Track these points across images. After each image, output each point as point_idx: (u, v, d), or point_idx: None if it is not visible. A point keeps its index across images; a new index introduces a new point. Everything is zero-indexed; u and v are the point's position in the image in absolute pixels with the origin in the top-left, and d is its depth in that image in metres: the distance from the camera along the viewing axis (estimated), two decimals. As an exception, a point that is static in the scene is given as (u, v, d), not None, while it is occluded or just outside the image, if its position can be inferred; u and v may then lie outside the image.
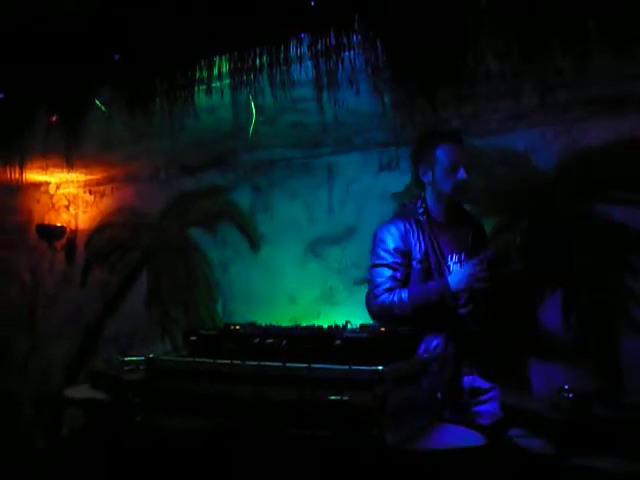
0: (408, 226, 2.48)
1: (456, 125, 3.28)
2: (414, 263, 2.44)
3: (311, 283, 3.64)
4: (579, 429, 1.60)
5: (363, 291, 3.51)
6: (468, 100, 2.65)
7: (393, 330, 1.99)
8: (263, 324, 2.24)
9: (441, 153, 2.43)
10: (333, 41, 1.68)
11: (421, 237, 2.46)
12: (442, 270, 2.45)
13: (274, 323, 2.29)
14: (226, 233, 4.00)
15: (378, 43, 1.61)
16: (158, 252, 4.28)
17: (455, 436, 1.94)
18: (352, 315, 3.46)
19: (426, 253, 2.44)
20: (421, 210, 2.50)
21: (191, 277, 4.09)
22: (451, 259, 2.48)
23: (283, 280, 3.72)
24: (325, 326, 2.13)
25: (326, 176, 3.67)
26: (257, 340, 1.97)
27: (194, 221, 4.15)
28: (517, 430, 1.80)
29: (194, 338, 2.17)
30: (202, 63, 1.91)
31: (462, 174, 2.40)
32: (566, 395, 1.73)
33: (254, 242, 3.89)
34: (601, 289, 3.00)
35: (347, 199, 3.61)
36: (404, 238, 2.45)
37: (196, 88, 1.99)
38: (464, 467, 1.65)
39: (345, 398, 1.73)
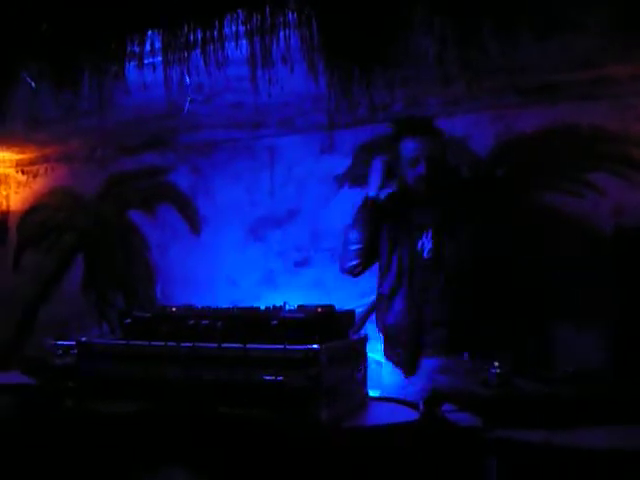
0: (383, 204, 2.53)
1: (398, 108, 3.32)
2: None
3: (252, 266, 3.61)
4: (504, 403, 1.66)
5: (304, 274, 3.55)
6: (408, 83, 2.69)
7: (329, 310, 2.01)
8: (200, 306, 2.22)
9: (403, 146, 2.46)
10: (268, 19, 1.65)
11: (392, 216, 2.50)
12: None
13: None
14: (165, 215, 3.92)
15: (313, 22, 1.60)
16: (95, 235, 4.16)
17: (389, 412, 1.98)
18: (293, 298, 3.47)
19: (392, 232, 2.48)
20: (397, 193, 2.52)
21: (129, 260, 4.00)
22: (425, 236, 2.48)
23: (224, 263, 3.68)
24: (263, 307, 2.13)
25: (268, 158, 3.64)
26: (192, 322, 1.95)
27: (132, 203, 4.04)
28: (448, 406, 1.85)
29: (128, 320, 2.12)
30: (134, 37, 1.85)
31: (421, 168, 2.42)
32: (494, 371, 1.78)
33: (194, 224, 3.83)
34: (534, 274, 3.09)
35: (289, 181, 3.59)
36: None
37: (127, 63, 1.92)
38: (396, 441, 1.69)
39: (279, 378, 1.74)
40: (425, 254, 2.45)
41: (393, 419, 1.86)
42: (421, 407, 1.84)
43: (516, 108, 3.18)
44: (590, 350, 2.79)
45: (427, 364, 2.40)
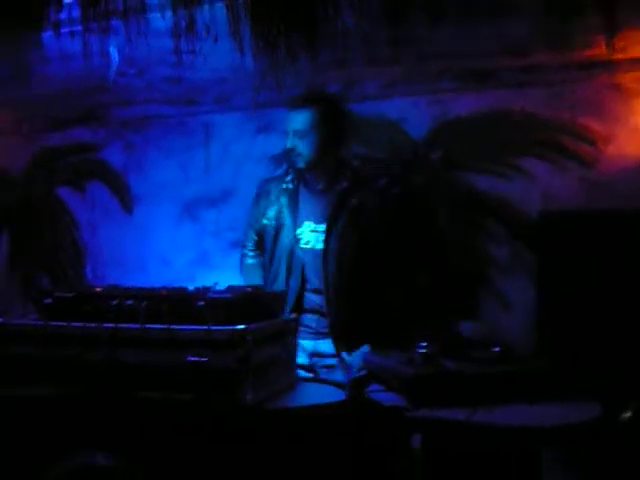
0: (275, 186, 2.52)
1: (334, 89, 3.30)
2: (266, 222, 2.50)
3: (186, 246, 3.54)
4: (428, 382, 1.68)
5: (239, 254, 3.50)
6: (342, 64, 2.67)
7: (259, 290, 1.98)
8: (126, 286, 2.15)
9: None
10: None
11: (281, 200, 2.48)
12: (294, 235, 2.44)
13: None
14: (96, 193, 3.79)
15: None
16: (21, 212, 3.98)
17: (317, 394, 1.98)
18: (228, 278, 3.44)
19: (278, 216, 2.47)
20: (289, 176, 2.52)
21: (57, 240, 3.85)
22: (307, 226, 2.47)
23: (157, 243, 3.59)
24: (191, 288, 2.08)
25: (203, 136, 3.56)
26: (115, 302, 1.88)
27: (61, 180, 3.89)
28: (375, 386, 1.87)
29: (49, 301, 2.04)
30: (51, 4, 1.74)
31: (288, 142, 2.42)
32: (419, 351, 1.80)
33: (126, 203, 3.72)
34: (466, 256, 3.16)
35: (224, 160, 3.52)
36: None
37: (45, 31, 1.81)
38: (321, 422, 1.69)
39: (204, 359, 1.71)
40: (303, 243, 2.46)
41: (320, 400, 1.85)
42: (348, 388, 1.85)
43: (453, 92, 3.22)
44: (516, 331, 2.88)
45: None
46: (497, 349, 1.95)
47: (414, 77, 3.00)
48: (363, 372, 2.18)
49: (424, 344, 1.85)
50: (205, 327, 1.72)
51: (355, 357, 2.38)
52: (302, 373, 2.23)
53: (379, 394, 1.78)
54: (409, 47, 2.42)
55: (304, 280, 2.44)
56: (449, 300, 3.08)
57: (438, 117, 3.21)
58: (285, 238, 2.46)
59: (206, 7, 1.61)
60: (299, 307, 2.42)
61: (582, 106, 3.03)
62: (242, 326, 1.71)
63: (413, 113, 3.23)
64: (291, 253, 2.45)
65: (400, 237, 2.64)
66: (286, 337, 2.03)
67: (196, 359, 1.71)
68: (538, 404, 1.71)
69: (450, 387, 1.69)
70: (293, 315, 2.16)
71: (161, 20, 1.72)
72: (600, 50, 2.51)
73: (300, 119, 2.38)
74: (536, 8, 2.20)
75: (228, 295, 1.87)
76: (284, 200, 2.48)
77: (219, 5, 1.63)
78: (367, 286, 2.45)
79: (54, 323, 1.92)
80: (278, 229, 2.48)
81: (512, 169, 3.11)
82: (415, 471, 1.69)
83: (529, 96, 3.11)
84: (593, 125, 3.01)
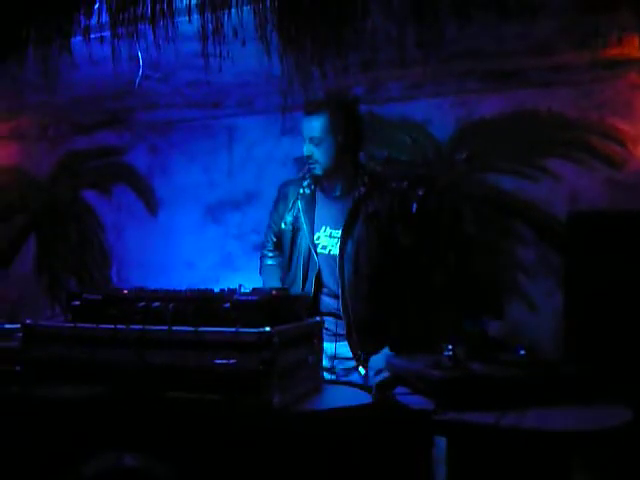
0: (293, 190, 2.51)
1: (359, 92, 3.30)
2: (284, 226, 2.50)
3: (210, 248, 3.57)
4: (457, 385, 1.66)
5: (260, 256, 3.52)
6: (368, 66, 2.66)
7: (284, 293, 1.98)
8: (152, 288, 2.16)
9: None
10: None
11: (298, 204, 2.47)
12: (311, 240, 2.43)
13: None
14: (121, 196, 3.84)
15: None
16: (48, 215, 4.04)
17: (343, 396, 1.97)
18: (252, 281, 3.44)
19: (296, 220, 2.46)
20: (306, 181, 2.50)
21: (83, 242, 3.90)
22: (324, 231, 2.46)
23: (181, 245, 3.62)
24: (217, 290, 2.08)
25: (226, 139, 3.58)
26: (143, 304, 1.89)
27: (87, 183, 3.94)
28: (402, 388, 1.85)
29: (77, 303, 2.06)
30: (80, 9, 1.76)
31: (305, 149, 2.40)
32: (447, 354, 1.79)
33: (151, 206, 3.75)
34: (491, 257, 3.13)
35: (248, 163, 3.54)
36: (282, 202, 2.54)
37: (74, 36, 1.83)
38: (348, 425, 1.68)
39: (232, 361, 1.71)
40: (320, 248, 2.44)
41: (346, 403, 1.84)
42: (374, 390, 1.84)
43: (477, 93, 3.19)
44: (544, 334, 2.84)
45: None
46: (522, 351, 1.93)
47: (439, 78, 2.98)
48: (385, 374, 2.18)
49: (450, 347, 1.84)
50: (232, 329, 1.72)
51: (375, 359, 2.37)
52: (325, 375, 2.22)
53: (405, 397, 1.76)
54: (435, 48, 2.40)
55: (320, 284, 2.43)
56: (473, 303, 3.05)
57: (463, 118, 3.19)
58: (302, 242, 2.46)
59: (233, 11, 1.61)
60: (315, 310, 2.42)
61: (610, 106, 2.98)
62: (268, 328, 1.71)
63: (437, 114, 3.22)
64: (307, 257, 2.44)
65: (423, 239, 2.62)
66: (312, 340, 2.02)
67: (223, 361, 1.71)
68: (567, 408, 1.68)
69: (479, 390, 1.67)
70: (318, 318, 2.15)
71: (188, 24, 1.73)
72: (629, 49, 2.48)
73: (315, 126, 2.37)
74: (564, 7, 2.18)
75: (254, 297, 1.87)
76: (301, 204, 2.48)
77: (246, 8, 1.63)
78: (385, 290, 2.43)
79: (82, 325, 1.94)
80: (295, 233, 2.48)
81: (538, 170, 3.07)
82: (443, 475, 1.68)
83: (556, 96, 3.08)
84: (621, 125, 2.97)
